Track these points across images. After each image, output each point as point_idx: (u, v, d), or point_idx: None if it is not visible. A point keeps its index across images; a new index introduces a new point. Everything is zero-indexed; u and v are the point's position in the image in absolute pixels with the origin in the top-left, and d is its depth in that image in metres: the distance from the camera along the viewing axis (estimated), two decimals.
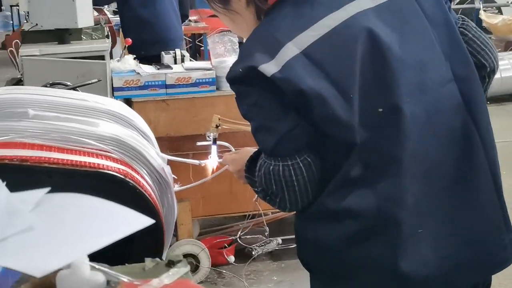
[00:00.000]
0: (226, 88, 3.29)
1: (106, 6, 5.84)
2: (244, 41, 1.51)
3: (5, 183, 1.03)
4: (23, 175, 1.44)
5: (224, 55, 3.39)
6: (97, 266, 0.91)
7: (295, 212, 1.51)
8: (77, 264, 0.86)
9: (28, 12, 3.76)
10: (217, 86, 3.38)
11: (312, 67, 1.34)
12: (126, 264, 1.11)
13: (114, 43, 5.01)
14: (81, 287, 0.87)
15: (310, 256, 1.51)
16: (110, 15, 5.64)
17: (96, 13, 4.81)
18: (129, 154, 1.62)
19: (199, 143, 2.14)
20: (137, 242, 1.46)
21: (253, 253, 3.64)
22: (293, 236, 1.55)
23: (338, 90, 1.33)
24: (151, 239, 1.51)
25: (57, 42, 3.51)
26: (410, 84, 1.37)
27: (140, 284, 0.91)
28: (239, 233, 3.47)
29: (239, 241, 3.56)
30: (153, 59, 3.85)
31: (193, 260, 3.41)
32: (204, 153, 2.09)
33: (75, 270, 0.87)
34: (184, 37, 6.79)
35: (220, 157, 1.95)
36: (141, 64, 3.47)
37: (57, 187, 1.17)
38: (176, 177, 1.83)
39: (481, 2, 8.83)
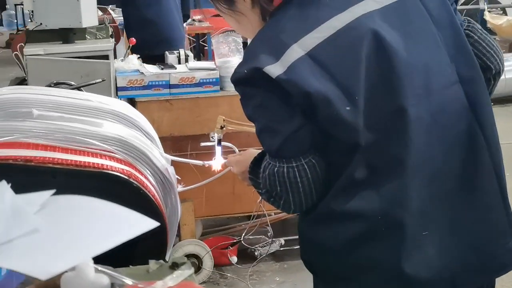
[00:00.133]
0: (230, 88, 3.29)
1: (110, 6, 5.85)
2: (248, 41, 1.51)
3: (9, 183, 1.03)
4: (27, 175, 1.44)
5: (228, 55, 3.39)
6: (101, 269, 0.91)
7: (298, 214, 1.51)
8: (82, 267, 0.86)
9: (32, 11, 3.77)
10: (221, 86, 3.37)
11: (317, 68, 1.34)
12: (130, 265, 1.11)
13: (117, 41, 5.02)
14: None
15: (314, 257, 1.51)
16: (114, 15, 5.64)
17: (100, 13, 4.81)
18: (133, 155, 1.62)
19: (203, 144, 2.14)
20: (140, 243, 1.46)
21: (256, 253, 3.63)
22: (296, 237, 1.54)
23: (343, 91, 1.33)
24: (154, 240, 1.51)
25: (61, 42, 3.52)
26: (416, 86, 1.36)
27: (144, 286, 0.90)
28: (243, 235, 3.47)
29: (242, 241, 3.56)
30: (156, 58, 3.86)
31: (195, 261, 3.41)
32: (207, 153, 2.09)
33: (79, 273, 0.86)
34: (188, 36, 6.80)
35: (224, 158, 1.94)
36: (145, 64, 3.47)
37: (61, 188, 1.17)
38: (179, 178, 1.83)
39: (485, 3, 8.81)
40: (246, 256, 3.63)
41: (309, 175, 1.38)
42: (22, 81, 3.21)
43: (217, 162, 2.02)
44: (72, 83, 2.17)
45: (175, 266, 1.02)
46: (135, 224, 0.96)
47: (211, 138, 2.11)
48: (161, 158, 1.71)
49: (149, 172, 1.66)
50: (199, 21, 7.01)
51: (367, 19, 1.37)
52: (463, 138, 1.41)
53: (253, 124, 1.43)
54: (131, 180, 1.52)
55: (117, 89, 3.30)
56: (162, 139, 1.93)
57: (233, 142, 2.14)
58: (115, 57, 3.88)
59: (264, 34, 1.42)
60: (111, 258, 1.00)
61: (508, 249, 1.46)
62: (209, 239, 3.67)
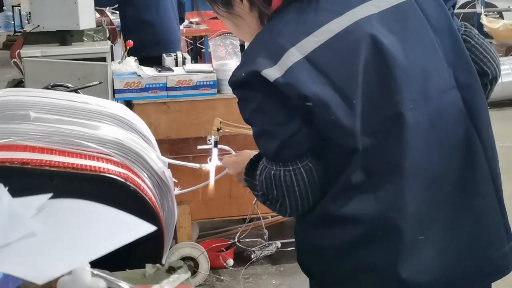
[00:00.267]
0: (227, 91, 3.29)
1: (107, 8, 5.85)
2: (246, 44, 1.51)
3: (6, 186, 1.03)
4: (24, 178, 1.44)
5: (225, 58, 3.39)
6: (98, 273, 0.90)
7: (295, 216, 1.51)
8: (78, 271, 0.86)
9: (29, 13, 3.76)
10: (218, 89, 3.38)
11: (315, 72, 1.34)
12: (126, 268, 1.11)
13: (113, 41, 5.02)
14: None
15: (310, 260, 1.51)
16: (111, 17, 5.64)
17: (97, 15, 4.81)
18: (130, 158, 1.62)
19: (200, 147, 2.14)
20: (137, 246, 1.45)
21: (252, 256, 3.63)
22: (293, 240, 1.55)
23: (341, 96, 1.33)
24: (151, 243, 1.50)
25: (58, 44, 3.51)
26: (413, 91, 1.36)
27: None
28: (236, 236, 3.47)
29: (237, 243, 3.56)
30: (153, 60, 3.86)
31: (192, 263, 3.40)
32: (204, 156, 2.08)
33: (76, 277, 0.86)
34: (186, 39, 6.80)
35: (220, 160, 1.94)
36: (142, 67, 3.47)
37: (57, 191, 1.17)
38: (176, 181, 1.83)
39: (482, 7, 8.83)
40: (243, 258, 3.64)
41: (305, 179, 1.38)
42: (19, 83, 3.20)
43: (213, 164, 2.02)
44: (69, 85, 2.17)
45: (171, 270, 1.02)
46: (132, 228, 0.96)
47: (208, 141, 2.11)
48: (158, 161, 1.71)
49: (146, 175, 1.65)
50: (197, 23, 7.01)
51: (365, 23, 1.37)
52: (460, 143, 1.41)
53: (250, 127, 1.43)
54: (128, 183, 1.52)
55: (114, 91, 3.30)
56: (159, 141, 1.93)
57: (230, 144, 2.14)
58: (112, 59, 3.88)
59: (262, 38, 1.42)
60: (108, 262, 1.00)
61: (504, 253, 1.46)
62: (205, 241, 3.67)
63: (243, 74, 1.37)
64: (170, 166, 1.85)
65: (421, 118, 1.37)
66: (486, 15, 8.76)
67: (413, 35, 1.41)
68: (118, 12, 5.35)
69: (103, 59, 3.34)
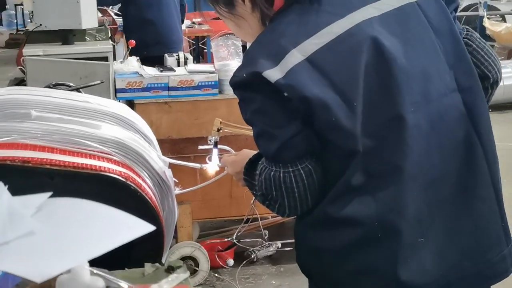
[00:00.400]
0: (229, 91, 3.29)
1: (110, 7, 5.86)
2: (248, 45, 1.51)
3: (7, 184, 1.03)
4: (24, 177, 1.44)
5: (227, 58, 3.39)
6: (97, 272, 0.91)
7: (295, 217, 1.51)
8: (77, 269, 0.86)
9: (32, 12, 3.77)
10: (219, 89, 3.38)
11: (316, 74, 1.34)
12: (126, 267, 1.12)
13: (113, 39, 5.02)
14: None
15: (309, 262, 1.51)
16: (115, 17, 5.65)
17: (100, 15, 4.81)
18: (131, 157, 1.62)
19: (200, 147, 2.14)
20: (137, 245, 1.46)
21: (252, 256, 3.64)
22: (293, 240, 1.55)
23: (342, 98, 1.33)
24: (151, 243, 1.51)
25: (60, 43, 3.52)
26: (414, 94, 1.37)
27: None
28: (234, 235, 3.47)
29: (239, 244, 3.56)
30: (155, 59, 3.86)
31: (192, 263, 3.41)
32: (205, 156, 2.09)
33: (75, 275, 0.86)
34: (188, 39, 6.80)
35: (220, 159, 1.95)
36: (144, 66, 3.48)
37: (58, 189, 1.17)
38: (177, 181, 1.84)
39: (485, 10, 8.83)
40: (243, 259, 3.64)
41: (305, 180, 1.38)
42: (21, 82, 3.20)
43: (213, 164, 2.03)
44: (71, 84, 2.18)
45: (170, 269, 1.03)
46: (131, 227, 0.96)
47: (209, 141, 2.11)
48: (159, 161, 1.71)
49: (146, 175, 1.66)
50: (199, 23, 7.02)
51: (367, 26, 1.37)
52: (460, 145, 1.41)
53: (250, 127, 1.44)
54: (129, 182, 1.53)
55: (116, 91, 3.30)
56: (160, 141, 1.93)
57: (231, 144, 2.14)
58: (115, 58, 3.89)
59: (264, 39, 1.42)
60: (108, 261, 1.00)
61: (503, 257, 1.46)
62: (206, 241, 3.68)
63: (244, 75, 1.37)
64: (170, 165, 1.85)
65: (421, 120, 1.37)
66: (488, 18, 8.76)
67: (415, 37, 1.41)
68: (121, 12, 5.36)
69: (105, 59, 3.35)
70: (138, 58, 3.60)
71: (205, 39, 7.43)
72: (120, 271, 1.04)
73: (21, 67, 3.69)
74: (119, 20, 5.42)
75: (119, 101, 3.16)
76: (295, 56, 1.34)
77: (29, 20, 5.03)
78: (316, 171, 1.39)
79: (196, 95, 3.35)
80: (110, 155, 1.57)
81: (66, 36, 3.50)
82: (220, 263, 3.57)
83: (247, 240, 3.67)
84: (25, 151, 1.49)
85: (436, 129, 1.38)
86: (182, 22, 5.67)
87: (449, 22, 1.45)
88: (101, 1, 4.55)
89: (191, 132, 3.32)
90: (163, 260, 1.62)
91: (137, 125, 1.75)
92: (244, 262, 3.61)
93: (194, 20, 7.17)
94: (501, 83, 1.59)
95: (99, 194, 1.43)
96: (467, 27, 1.58)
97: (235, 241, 3.60)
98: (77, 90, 2.09)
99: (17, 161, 1.45)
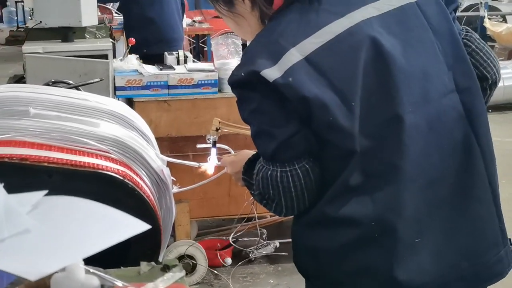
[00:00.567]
0: (229, 90, 3.26)
1: (111, 4, 5.86)
2: (247, 44, 1.51)
3: (4, 182, 1.03)
4: (22, 174, 1.44)
5: (227, 57, 3.39)
6: (91, 270, 0.91)
7: (292, 216, 1.51)
8: (72, 268, 0.86)
9: (33, 9, 3.77)
10: (219, 88, 3.38)
11: (314, 73, 1.34)
12: (122, 265, 1.11)
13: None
14: None
15: (306, 262, 1.51)
16: (115, 14, 5.65)
17: (99, 13, 4.80)
18: (129, 155, 1.62)
19: (199, 145, 2.15)
20: (134, 244, 1.46)
21: (250, 255, 3.64)
22: (291, 240, 1.55)
23: (340, 97, 1.33)
24: (148, 241, 1.51)
25: (60, 40, 3.52)
26: (413, 94, 1.36)
27: None
28: (231, 234, 3.47)
29: (237, 243, 3.56)
30: (155, 57, 3.86)
31: (190, 261, 3.41)
32: (204, 154, 2.09)
33: (69, 273, 0.86)
34: (188, 38, 6.80)
35: (219, 159, 1.95)
36: (143, 64, 3.48)
37: (56, 187, 1.17)
38: (175, 179, 1.84)
39: (486, 10, 8.83)
40: (241, 258, 3.64)
41: (302, 180, 1.38)
42: (20, 79, 3.20)
43: (212, 164, 2.03)
44: (70, 82, 2.17)
45: (166, 268, 1.02)
46: (127, 226, 0.96)
47: (207, 140, 2.11)
48: (157, 159, 1.71)
49: (144, 173, 1.66)
50: (199, 22, 7.02)
51: (366, 25, 1.37)
52: (458, 146, 1.41)
53: (249, 127, 1.44)
54: (126, 180, 1.53)
55: (116, 89, 3.30)
56: (159, 139, 1.93)
57: (230, 144, 2.15)
58: (115, 56, 3.89)
59: (263, 38, 1.42)
60: (105, 259, 1.00)
61: (500, 258, 1.46)
62: (204, 240, 3.68)
63: (243, 74, 1.37)
64: (169, 164, 1.85)
65: (420, 121, 1.37)
66: (489, 18, 8.75)
67: (414, 38, 1.41)
68: (119, 12, 5.35)
69: (105, 57, 3.34)
70: (137, 56, 3.60)
71: (206, 37, 7.43)
72: (116, 269, 1.04)
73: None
74: (119, 18, 5.42)
75: (119, 99, 3.16)
76: (294, 55, 1.34)
77: (29, 17, 5.03)
78: (313, 170, 1.39)
79: (195, 94, 3.35)
80: (108, 153, 1.57)
81: (66, 34, 3.50)
82: (218, 262, 3.57)
83: (245, 239, 3.67)
84: (23, 148, 1.49)
85: (434, 130, 1.38)
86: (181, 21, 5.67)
87: (449, 23, 1.45)
88: None
89: (190, 130, 3.32)
90: (160, 259, 1.62)
91: (136, 123, 1.75)
92: (242, 261, 3.62)
93: (194, 18, 7.17)
94: (501, 84, 1.60)
95: (97, 192, 1.43)
96: (467, 27, 1.58)
97: (233, 240, 3.60)
98: (77, 87, 2.08)
99: (15, 158, 1.45)
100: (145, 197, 1.54)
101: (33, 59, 2.96)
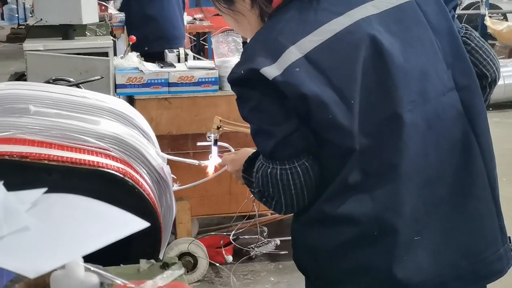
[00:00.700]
0: (229, 88, 3.26)
1: (111, 2, 5.85)
2: (248, 41, 1.51)
3: (4, 179, 1.03)
4: (22, 172, 1.45)
5: (227, 54, 3.39)
6: (91, 268, 0.91)
7: (292, 214, 1.51)
8: (71, 265, 0.86)
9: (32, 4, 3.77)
10: (219, 86, 3.38)
11: (314, 71, 1.34)
12: (123, 263, 1.12)
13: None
14: None
15: (306, 260, 1.51)
16: (114, 12, 5.64)
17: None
18: (129, 153, 1.62)
19: (199, 143, 2.15)
20: (134, 241, 1.46)
21: (251, 253, 3.64)
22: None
23: (339, 95, 1.33)
24: (148, 239, 1.51)
25: (61, 38, 3.52)
26: (412, 92, 1.36)
27: (134, 286, 0.91)
28: (232, 232, 3.47)
29: (237, 241, 3.56)
30: (156, 55, 3.86)
31: (191, 259, 3.41)
32: (205, 152, 2.09)
33: (69, 271, 0.87)
34: (189, 35, 6.79)
35: (219, 157, 1.95)
36: (144, 62, 3.48)
37: (56, 185, 1.17)
38: (175, 177, 1.84)
39: (486, 8, 8.82)
40: (242, 255, 3.64)
41: (301, 178, 1.38)
42: (21, 76, 3.20)
43: (212, 162, 2.03)
44: (71, 79, 2.18)
45: (165, 266, 1.03)
46: (126, 224, 0.96)
47: (207, 138, 2.11)
48: (157, 157, 1.72)
49: (144, 171, 1.66)
50: (200, 20, 7.01)
51: (366, 24, 1.37)
52: (457, 145, 1.41)
53: (249, 125, 1.44)
54: (126, 178, 1.53)
55: (116, 86, 3.30)
56: (160, 137, 1.93)
57: (231, 142, 2.15)
58: (115, 54, 3.89)
59: (262, 35, 1.42)
60: (105, 257, 1.00)
61: (500, 256, 1.46)
62: (205, 238, 3.68)
63: (242, 72, 1.37)
64: (169, 162, 1.85)
65: (419, 119, 1.37)
66: (490, 16, 8.74)
67: (413, 36, 1.41)
68: (121, 10, 5.35)
69: (106, 54, 3.35)
70: (138, 53, 3.60)
71: (206, 35, 7.43)
72: (115, 267, 1.04)
73: None
74: (120, 16, 5.42)
75: (119, 97, 3.16)
76: (293, 53, 1.34)
77: (30, 15, 5.03)
78: (313, 168, 1.39)
79: (196, 92, 3.35)
80: (108, 151, 1.58)
81: (66, 31, 3.50)
82: (219, 260, 3.57)
83: (246, 237, 3.67)
84: (23, 146, 1.50)
85: (433, 128, 1.38)
86: None
87: (448, 21, 1.45)
88: None
89: (191, 128, 3.32)
90: (160, 257, 1.62)
91: (136, 121, 1.75)
92: (243, 258, 3.62)
93: (195, 16, 7.16)
94: (501, 82, 1.61)
95: (97, 190, 1.43)
96: (466, 25, 1.58)
97: (233, 238, 3.60)
98: (77, 85, 2.09)
99: (15, 156, 1.45)
100: (145, 195, 1.55)
101: (34, 56, 2.96)
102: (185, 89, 3.35)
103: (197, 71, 3.36)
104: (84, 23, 3.50)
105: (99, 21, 3.75)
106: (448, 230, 1.41)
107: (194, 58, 3.84)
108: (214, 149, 2.06)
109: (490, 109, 6.30)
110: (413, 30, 1.41)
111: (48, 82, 2.08)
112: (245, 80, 1.37)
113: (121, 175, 1.52)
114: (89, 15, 3.51)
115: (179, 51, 3.65)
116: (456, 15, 1.56)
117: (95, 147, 1.56)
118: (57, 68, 2.83)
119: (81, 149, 1.54)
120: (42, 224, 0.92)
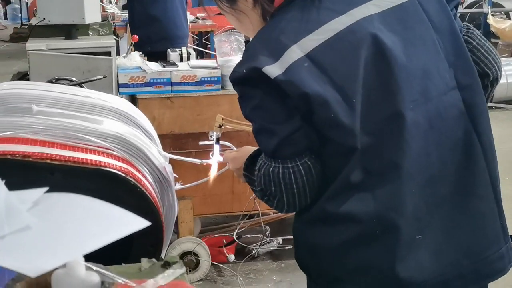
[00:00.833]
0: (231, 87, 3.27)
1: (114, 1, 5.86)
2: (250, 40, 1.52)
3: (7, 178, 1.03)
4: (25, 171, 1.45)
5: (230, 54, 3.39)
6: (92, 267, 0.91)
7: (294, 213, 1.52)
8: (72, 264, 0.86)
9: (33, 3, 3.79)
10: (222, 85, 3.38)
11: (316, 70, 1.34)
12: (124, 262, 1.12)
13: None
14: (76, 287, 0.87)
15: (308, 259, 1.51)
16: (117, 11, 5.65)
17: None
18: (131, 152, 1.63)
19: (201, 142, 2.15)
20: (136, 240, 1.46)
21: (253, 252, 3.64)
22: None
23: (341, 94, 1.33)
24: (150, 238, 1.52)
25: (64, 37, 3.53)
26: (414, 91, 1.37)
27: (135, 285, 0.91)
28: (235, 231, 3.48)
29: (240, 240, 3.57)
30: (159, 55, 3.86)
31: (193, 258, 3.42)
32: (207, 151, 2.09)
33: (70, 270, 0.87)
34: (191, 35, 6.80)
35: (221, 155, 1.95)
36: (147, 61, 3.48)
37: (58, 184, 1.18)
38: (177, 176, 1.84)
39: (489, 7, 8.80)
40: (244, 254, 3.64)
41: (303, 176, 1.38)
42: (24, 76, 3.21)
43: (214, 161, 2.03)
44: (74, 79, 2.18)
45: (167, 265, 1.03)
46: (128, 223, 0.96)
47: (209, 137, 2.11)
48: (159, 156, 1.72)
49: (146, 170, 1.66)
50: (203, 19, 7.01)
51: (367, 23, 1.37)
52: (459, 143, 1.41)
53: (251, 124, 1.44)
54: (129, 177, 1.53)
55: (119, 85, 3.31)
56: (162, 136, 1.94)
57: (233, 141, 2.15)
58: (118, 53, 3.90)
59: (264, 34, 1.42)
60: (107, 256, 1.00)
61: (501, 255, 1.46)
62: (207, 237, 3.68)
63: (244, 71, 1.37)
64: (171, 161, 1.86)
65: (420, 118, 1.37)
66: (493, 15, 8.72)
67: (415, 35, 1.41)
68: (124, 9, 5.36)
69: (108, 53, 3.36)
70: (141, 53, 3.60)
71: (209, 34, 7.43)
72: (117, 266, 1.04)
73: None
74: (123, 15, 5.43)
75: (122, 96, 3.17)
76: (295, 52, 1.34)
77: (33, 15, 5.03)
78: (315, 167, 1.39)
79: (198, 91, 3.36)
80: (111, 150, 1.58)
81: (69, 31, 3.51)
82: (222, 259, 3.57)
83: (248, 236, 3.68)
84: (26, 145, 1.50)
85: (435, 127, 1.38)
86: None
87: (450, 20, 1.45)
88: None
89: (193, 127, 3.32)
90: (163, 256, 1.62)
91: (138, 120, 1.76)
92: (245, 257, 3.62)
93: (198, 15, 7.16)
94: (504, 81, 1.60)
95: (99, 189, 1.44)
96: (468, 24, 1.58)
97: (236, 236, 3.60)
98: (80, 84, 2.09)
99: (17, 155, 1.46)
100: (147, 194, 1.55)
101: (37, 56, 2.97)
102: (188, 88, 3.35)
103: (199, 70, 3.37)
104: (87, 22, 3.51)
105: (102, 21, 3.75)
106: (450, 229, 1.41)
107: (197, 56, 3.83)
108: (216, 147, 2.06)
109: (493, 107, 6.29)
110: (415, 29, 1.41)
111: (51, 81, 2.08)
112: (247, 79, 1.38)
113: (123, 174, 1.53)
114: (92, 14, 3.52)
115: (181, 50, 3.66)
116: (458, 14, 1.56)
117: (98, 147, 1.57)
118: (60, 68, 2.83)
119: (84, 148, 1.55)
120: (43, 223, 0.92)
